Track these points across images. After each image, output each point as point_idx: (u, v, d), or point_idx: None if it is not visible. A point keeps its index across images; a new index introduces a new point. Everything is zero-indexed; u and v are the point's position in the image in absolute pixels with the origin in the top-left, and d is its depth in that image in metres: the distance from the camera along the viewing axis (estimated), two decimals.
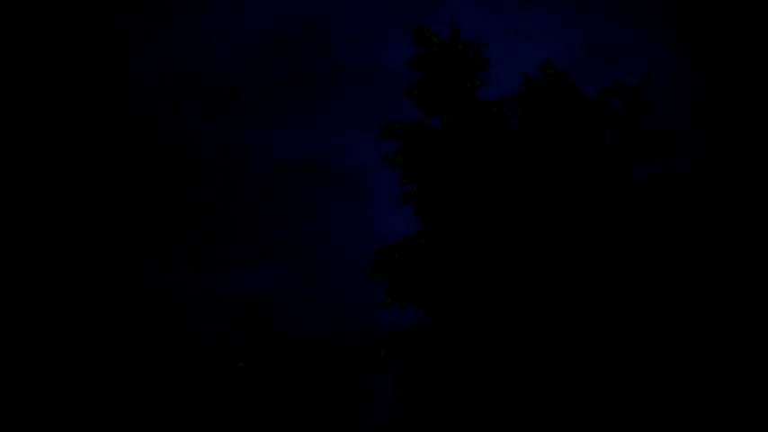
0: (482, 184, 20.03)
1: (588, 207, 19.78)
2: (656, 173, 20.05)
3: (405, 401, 19.61)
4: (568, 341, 18.55)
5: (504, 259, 19.38)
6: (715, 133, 20.56)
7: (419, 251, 20.30)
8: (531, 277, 19.17)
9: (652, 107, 20.35)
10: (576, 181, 20.04)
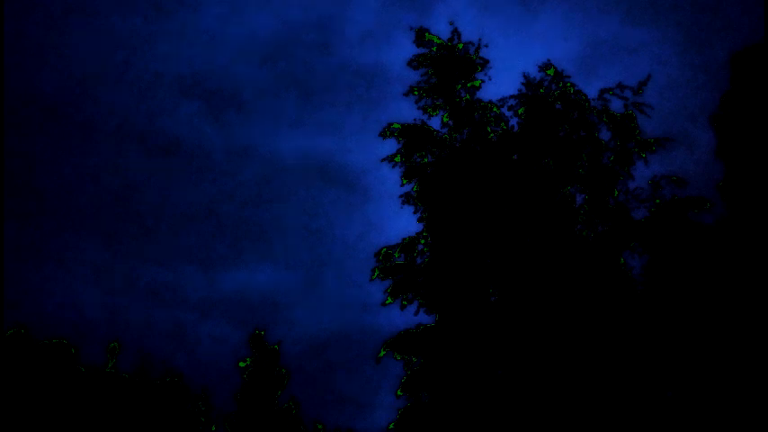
0: (482, 185, 20.05)
1: (588, 206, 19.81)
2: (657, 174, 20.10)
3: (405, 401, 19.64)
4: (570, 341, 18.57)
5: (505, 259, 19.40)
6: (715, 134, 20.57)
7: (419, 251, 20.34)
8: (530, 277, 19.18)
9: (652, 107, 20.39)
10: (576, 181, 20.07)
